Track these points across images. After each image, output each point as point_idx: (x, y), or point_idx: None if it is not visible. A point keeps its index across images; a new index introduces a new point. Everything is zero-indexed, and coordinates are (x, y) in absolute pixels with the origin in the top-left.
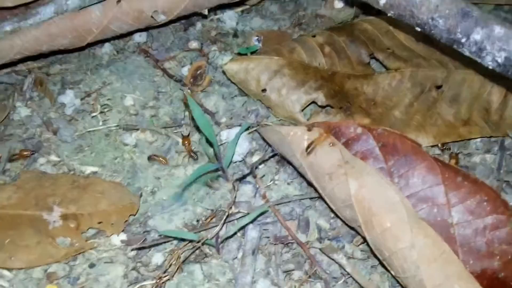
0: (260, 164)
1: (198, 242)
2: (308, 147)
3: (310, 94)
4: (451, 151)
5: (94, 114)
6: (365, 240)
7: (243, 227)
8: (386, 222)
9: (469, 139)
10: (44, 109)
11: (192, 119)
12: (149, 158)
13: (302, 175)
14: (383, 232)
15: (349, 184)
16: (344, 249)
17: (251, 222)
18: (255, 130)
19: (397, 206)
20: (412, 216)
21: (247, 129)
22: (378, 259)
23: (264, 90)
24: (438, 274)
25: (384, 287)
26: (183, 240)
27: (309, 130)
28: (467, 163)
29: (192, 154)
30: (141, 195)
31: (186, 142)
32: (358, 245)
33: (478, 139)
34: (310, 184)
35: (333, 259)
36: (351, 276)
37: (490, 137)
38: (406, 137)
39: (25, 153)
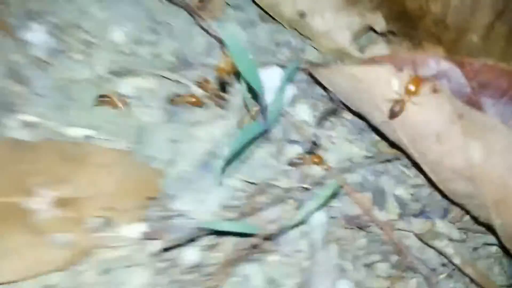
0: (321, 120)
1: (257, 236)
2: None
3: (365, 16)
4: None
5: (74, 56)
6: (469, 214)
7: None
8: None
9: None
10: (5, 52)
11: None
12: (172, 101)
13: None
14: None
15: (469, 148)
16: (435, 227)
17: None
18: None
19: None
20: None
21: (293, 71)
22: (488, 249)
23: (302, 14)
24: None
25: (493, 275)
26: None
27: (397, 70)
28: None
29: (219, 99)
30: (161, 171)
31: (206, 85)
32: (455, 222)
33: None
34: (391, 143)
35: (434, 248)
36: (456, 267)
37: None
38: None
39: None
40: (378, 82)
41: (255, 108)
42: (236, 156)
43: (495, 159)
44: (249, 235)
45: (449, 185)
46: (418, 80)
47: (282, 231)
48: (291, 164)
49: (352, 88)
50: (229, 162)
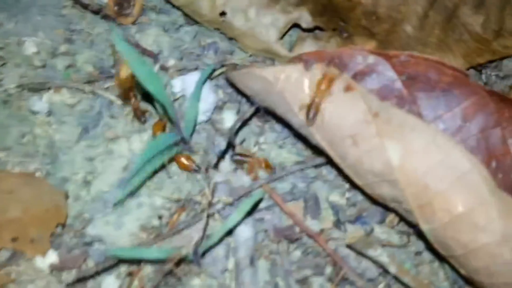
0: (240, 127)
1: (171, 261)
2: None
3: (290, 12)
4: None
5: None
6: (402, 219)
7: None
8: (456, 204)
9: (505, 57)
10: None
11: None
12: None
13: (299, 135)
14: (452, 220)
15: (387, 149)
16: (374, 233)
17: (243, 218)
18: (221, 75)
19: (470, 178)
20: (494, 191)
21: (211, 74)
22: (434, 252)
23: (223, 14)
24: None
25: (438, 281)
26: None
27: (307, 68)
28: (504, 88)
29: (139, 114)
30: (67, 194)
31: (130, 94)
32: (393, 226)
33: None
34: (312, 146)
35: (368, 257)
36: (395, 277)
37: None
38: (444, 64)
39: None
40: (289, 84)
41: (164, 119)
42: (151, 170)
43: (415, 160)
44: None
45: (375, 189)
46: (330, 78)
47: (206, 250)
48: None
49: (265, 91)
50: (147, 177)
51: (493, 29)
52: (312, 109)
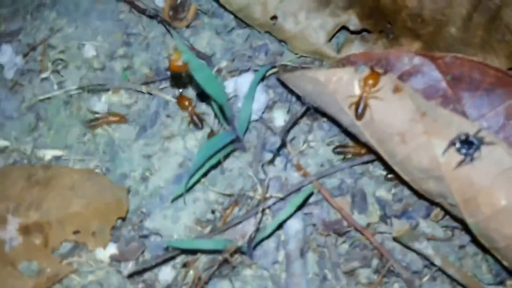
0: (292, 126)
1: (226, 252)
2: (359, 97)
3: (338, 16)
4: None
5: (44, 74)
6: (447, 213)
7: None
8: (499, 198)
9: None
10: None
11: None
12: (90, 125)
13: (347, 132)
14: (495, 213)
15: (434, 147)
16: (419, 227)
17: (294, 212)
18: (271, 76)
19: None
20: None
21: (264, 75)
22: (479, 244)
23: (274, 17)
24: None
25: (481, 274)
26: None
27: (357, 70)
28: None
29: (196, 119)
30: (128, 189)
31: (186, 103)
32: (438, 221)
33: None
34: (361, 142)
35: (413, 250)
36: (439, 269)
37: None
38: (487, 65)
39: None
40: (340, 85)
41: (222, 118)
42: (207, 168)
43: (460, 156)
44: (221, 251)
45: (422, 185)
46: (375, 74)
47: (258, 243)
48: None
49: (317, 92)
50: (202, 174)
51: None
52: (361, 104)
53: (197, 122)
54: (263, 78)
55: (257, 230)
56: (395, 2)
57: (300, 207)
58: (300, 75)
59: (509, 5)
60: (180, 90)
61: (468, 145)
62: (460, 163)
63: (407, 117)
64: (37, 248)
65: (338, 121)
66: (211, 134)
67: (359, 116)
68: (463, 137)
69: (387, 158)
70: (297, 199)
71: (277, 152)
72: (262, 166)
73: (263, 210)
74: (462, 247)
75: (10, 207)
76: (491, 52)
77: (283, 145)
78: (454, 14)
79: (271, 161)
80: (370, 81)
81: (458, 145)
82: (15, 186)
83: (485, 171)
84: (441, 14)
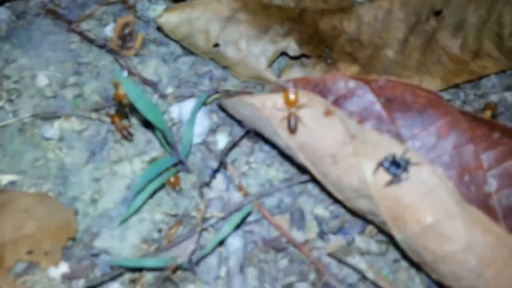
0: (231, 148)
1: (168, 269)
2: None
3: (278, 42)
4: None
5: None
6: (379, 229)
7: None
8: (425, 216)
9: (482, 77)
10: None
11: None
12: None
13: (286, 155)
14: (422, 230)
15: (362, 167)
16: (354, 243)
17: (234, 230)
18: (215, 100)
19: (437, 192)
20: (460, 203)
21: (205, 101)
22: (408, 259)
23: (216, 45)
24: (510, 283)
25: (414, 286)
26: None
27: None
28: (482, 106)
29: (125, 132)
30: (76, 211)
31: (115, 119)
32: (373, 236)
33: (493, 75)
34: (298, 165)
35: (347, 264)
36: (373, 283)
37: (507, 70)
38: (419, 87)
39: None
40: (274, 110)
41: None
42: (151, 190)
43: (388, 176)
44: (165, 268)
45: (354, 203)
46: (286, 91)
47: (200, 260)
48: None
49: (253, 117)
50: (149, 195)
51: (470, 50)
52: (291, 120)
53: (125, 134)
54: (206, 103)
55: (199, 247)
56: (334, 27)
57: (240, 225)
58: (238, 101)
59: (444, 27)
60: (111, 113)
61: (395, 165)
62: (389, 183)
63: (338, 140)
64: None
65: (272, 143)
66: (154, 159)
67: (291, 130)
68: (390, 158)
69: (321, 178)
70: (236, 217)
71: (213, 174)
72: (200, 187)
73: (203, 229)
74: (396, 260)
75: None
76: (426, 74)
77: (221, 166)
78: (391, 38)
79: (208, 183)
80: (291, 97)
81: (386, 165)
82: None
83: (412, 190)
84: (378, 37)
